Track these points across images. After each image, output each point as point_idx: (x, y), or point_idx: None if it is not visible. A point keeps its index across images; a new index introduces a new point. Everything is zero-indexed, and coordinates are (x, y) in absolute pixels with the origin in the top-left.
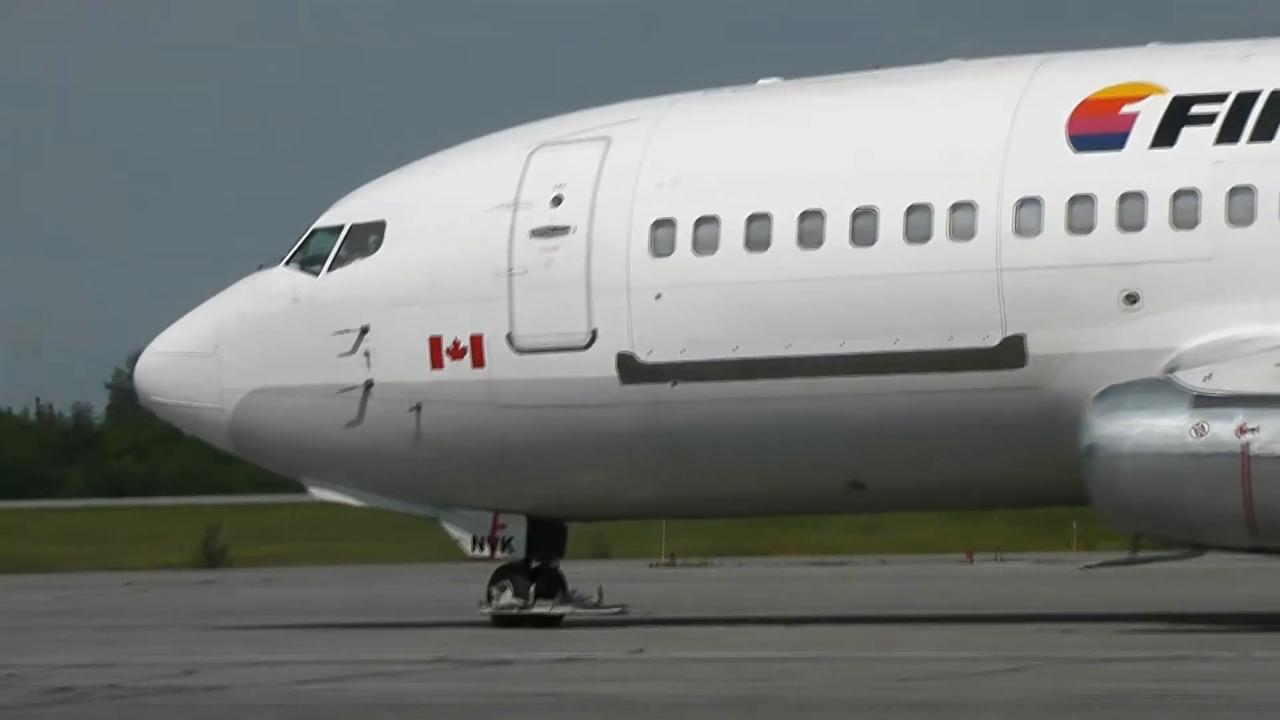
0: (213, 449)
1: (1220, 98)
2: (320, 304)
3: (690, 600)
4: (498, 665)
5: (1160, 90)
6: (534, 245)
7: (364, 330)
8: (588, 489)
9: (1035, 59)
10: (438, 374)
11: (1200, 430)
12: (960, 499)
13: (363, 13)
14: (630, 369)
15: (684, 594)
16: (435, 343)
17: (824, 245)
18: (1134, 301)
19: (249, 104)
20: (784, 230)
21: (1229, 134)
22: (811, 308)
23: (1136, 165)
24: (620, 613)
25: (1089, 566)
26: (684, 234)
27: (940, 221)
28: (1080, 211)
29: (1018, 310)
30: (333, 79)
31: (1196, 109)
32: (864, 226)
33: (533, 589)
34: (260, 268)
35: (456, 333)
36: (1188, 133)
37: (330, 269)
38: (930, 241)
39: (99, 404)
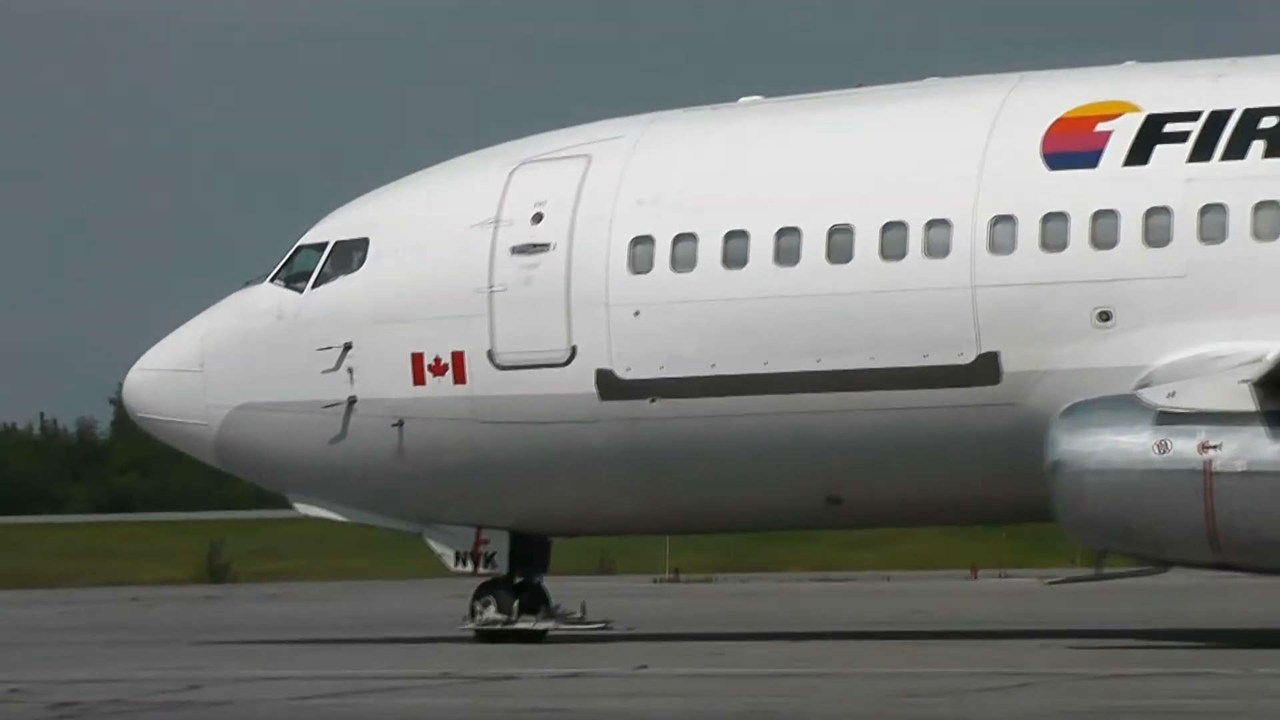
0: None
1: (1193, 116)
2: (304, 320)
3: (694, 616)
4: (502, 680)
5: (1134, 108)
6: (514, 262)
7: (347, 347)
8: (569, 504)
9: (1013, 77)
10: (420, 390)
11: (1163, 447)
12: (937, 515)
13: (349, 30)
14: (609, 385)
15: (687, 609)
16: (417, 359)
17: (800, 262)
18: (1107, 319)
19: (250, 116)
20: (761, 247)
21: (1202, 152)
22: (788, 325)
23: (1110, 183)
24: (603, 628)
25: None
26: (662, 251)
27: (915, 239)
28: (1054, 229)
29: (992, 327)
30: (326, 92)
31: (1170, 127)
32: (840, 244)
33: (516, 604)
34: (246, 284)
35: (438, 349)
36: (1161, 151)
37: (314, 286)
38: (905, 259)
39: (103, 419)
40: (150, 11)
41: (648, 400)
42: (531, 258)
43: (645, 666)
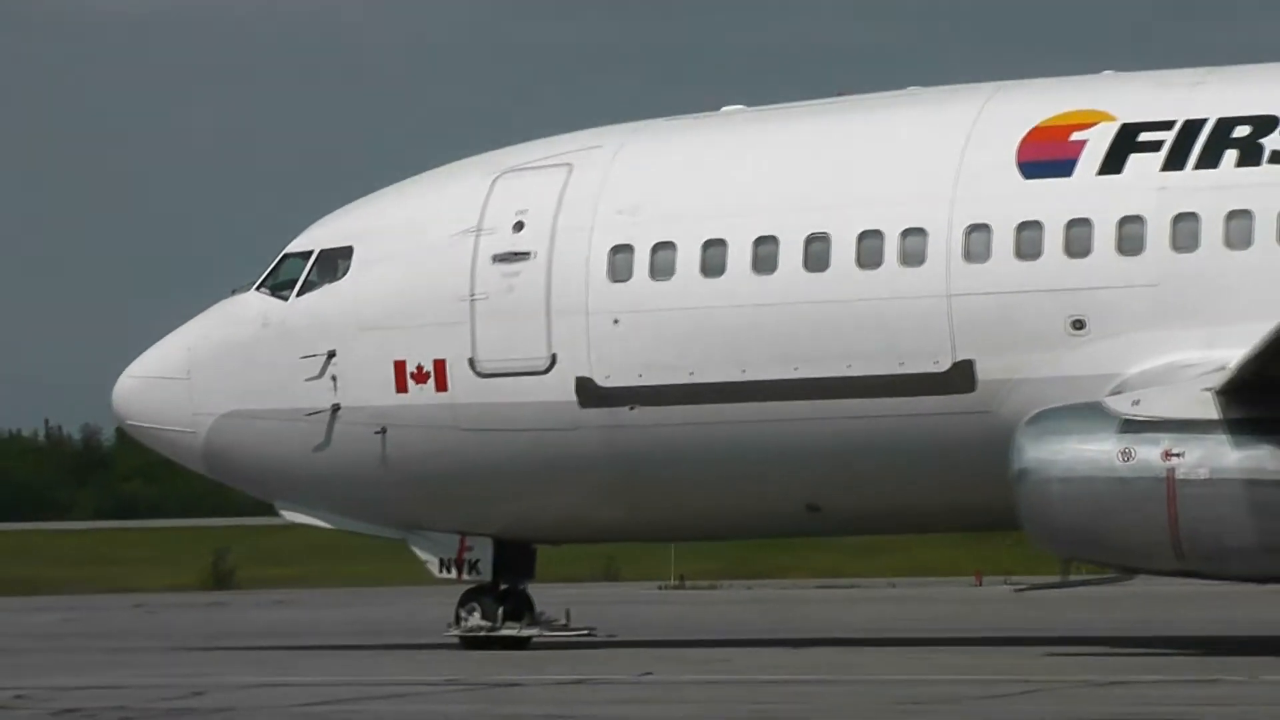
0: None
1: (1167, 125)
2: (289, 328)
3: (699, 622)
4: (508, 687)
5: (1109, 117)
6: (495, 270)
7: (331, 354)
8: (552, 512)
9: (989, 87)
10: (402, 398)
11: (1127, 455)
12: (915, 522)
13: (334, 39)
14: (589, 393)
15: (693, 616)
16: (400, 367)
17: (777, 271)
18: (1081, 327)
19: (253, 119)
20: (738, 256)
21: (1175, 161)
22: (766, 333)
23: (1084, 192)
24: (588, 635)
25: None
26: (642, 260)
27: (891, 247)
28: (1028, 238)
29: (967, 335)
30: (316, 103)
31: (1144, 136)
32: (817, 252)
33: (500, 611)
34: (233, 292)
35: (420, 357)
36: (1135, 159)
37: (299, 294)
38: (882, 267)
39: (108, 426)
40: (152, 13)
41: (627, 408)
42: (512, 266)
43: (650, 673)
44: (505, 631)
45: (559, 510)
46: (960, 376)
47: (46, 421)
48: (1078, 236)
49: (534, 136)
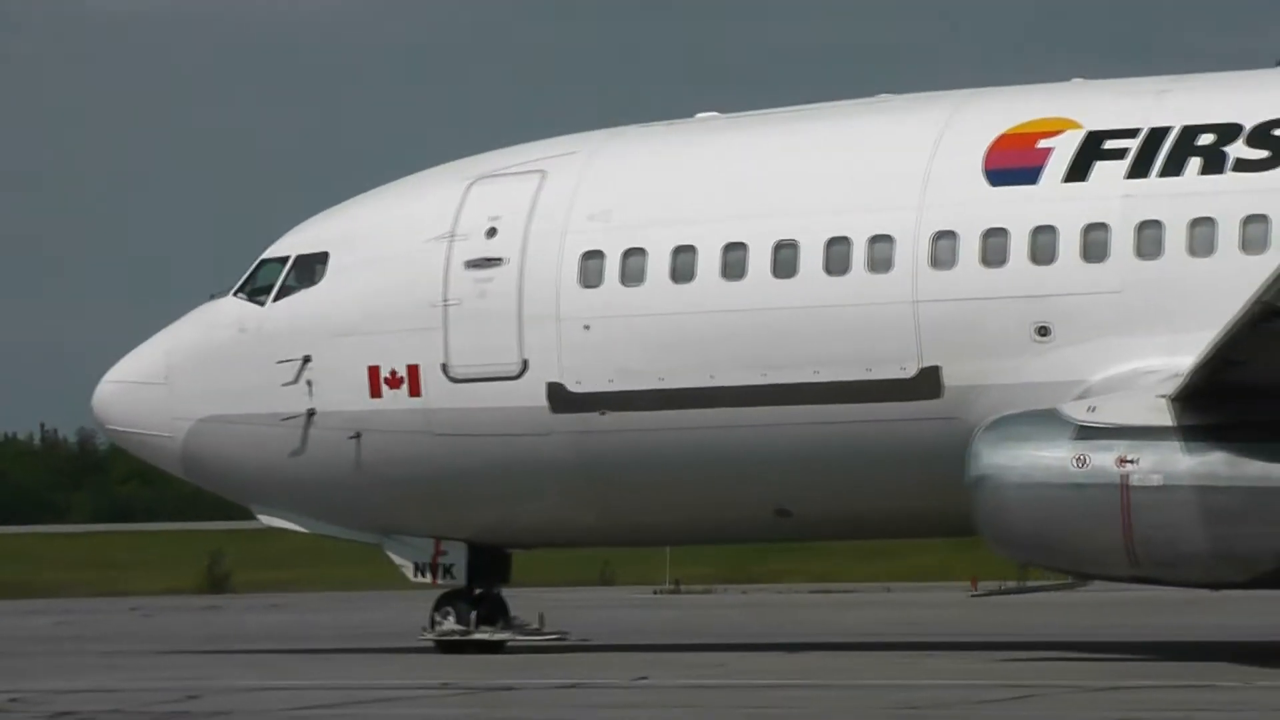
0: None
1: (1133, 133)
2: (265, 334)
3: (694, 627)
4: (501, 691)
5: (1075, 125)
6: (468, 276)
7: (306, 360)
8: (525, 516)
9: (959, 94)
10: (376, 403)
11: (1082, 461)
12: (884, 528)
13: (317, 44)
14: (560, 398)
15: (688, 620)
16: (374, 372)
17: (747, 277)
18: (1046, 334)
19: (247, 124)
20: (708, 262)
21: (1140, 168)
22: (734, 339)
23: (1049, 199)
24: (560, 639)
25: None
26: (612, 266)
27: (859, 254)
28: (994, 245)
29: (933, 342)
30: (314, 104)
31: (1109, 144)
32: (785, 259)
33: (474, 615)
34: (212, 297)
35: (394, 362)
36: (1100, 167)
37: (276, 299)
38: (849, 274)
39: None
40: (150, 11)
41: (598, 413)
42: (485, 272)
43: (645, 677)
44: (479, 635)
45: (532, 515)
46: (927, 382)
47: (42, 425)
48: (1043, 244)
49: (533, 139)
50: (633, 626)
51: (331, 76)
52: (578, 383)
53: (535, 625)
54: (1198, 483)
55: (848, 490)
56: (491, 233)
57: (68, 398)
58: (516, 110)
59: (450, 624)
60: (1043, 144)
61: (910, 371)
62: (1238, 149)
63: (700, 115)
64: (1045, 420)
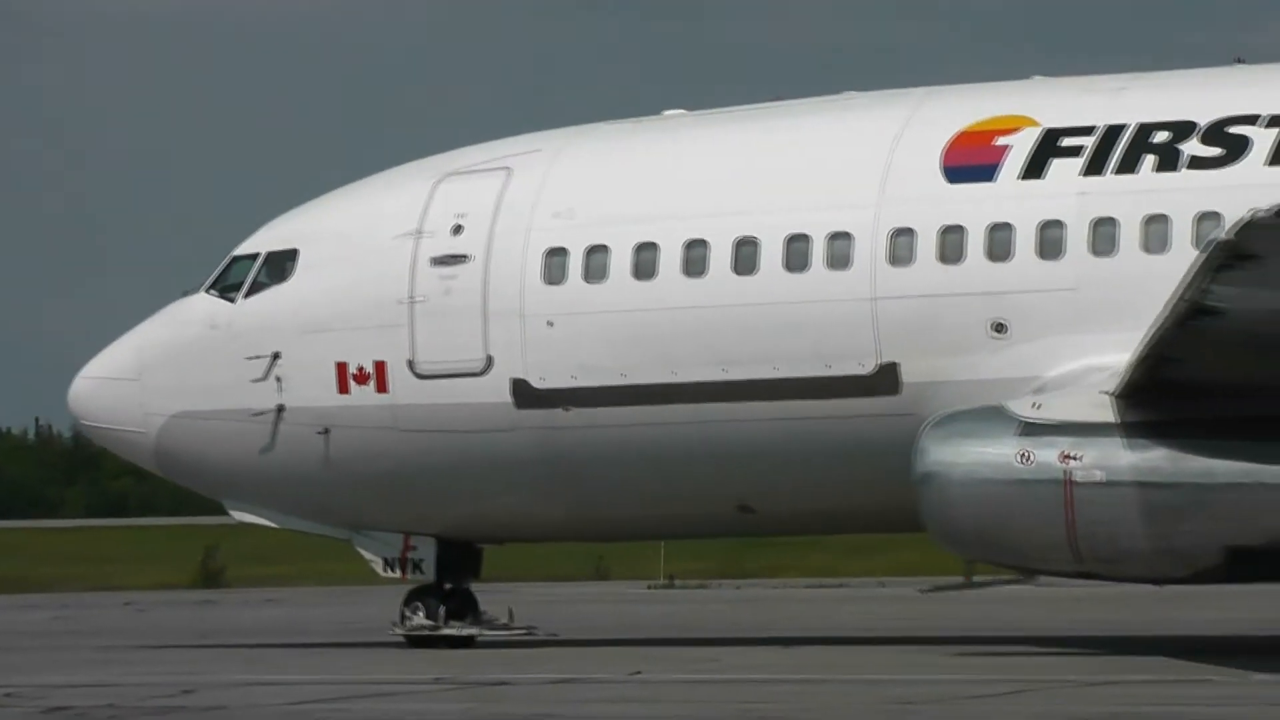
0: None
1: (1089, 130)
2: (236, 330)
3: (689, 621)
4: (496, 686)
5: (1033, 123)
6: (434, 273)
7: (275, 356)
8: (493, 512)
9: (921, 91)
10: (344, 399)
11: (1026, 458)
12: (846, 523)
13: (299, 40)
14: (525, 394)
15: (682, 615)
16: (341, 368)
17: (708, 274)
18: (1002, 330)
19: (246, 124)
20: (670, 259)
21: (1095, 166)
22: (695, 335)
23: (1006, 196)
24: (528, 633)
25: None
26: (576, 263)
27: (818, 251)
28: (951, 241)
29: (891, 338)
30: (284, 101)
31: (1066, 141)
32: (746, 256)
33: (443, 611)
34: (185, 294)
35: (361, 359)
36: (1056, 164)
37: (246, 296)
38: (809, 271)
39: None
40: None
41: (562, 409)
42: (450, 269)
43: (639, 672)
44: (448, 631)
45: (500, 511)
46: (885, 379)
47: (37, 420)
48: (999, 240)
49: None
50: (627, 621)
51: (330, 73)
52: (542, 379)
53: (504, 620)
54: (1139, 479)
55: (809, 486)
56: (457, 230)
57: (62, 393)
58: (514, 107)
59: (420, 619)
60: (1000, 141)
61: (869, 368)
62: (1192, 146)
63: (667, 113)
64: (991, 417)
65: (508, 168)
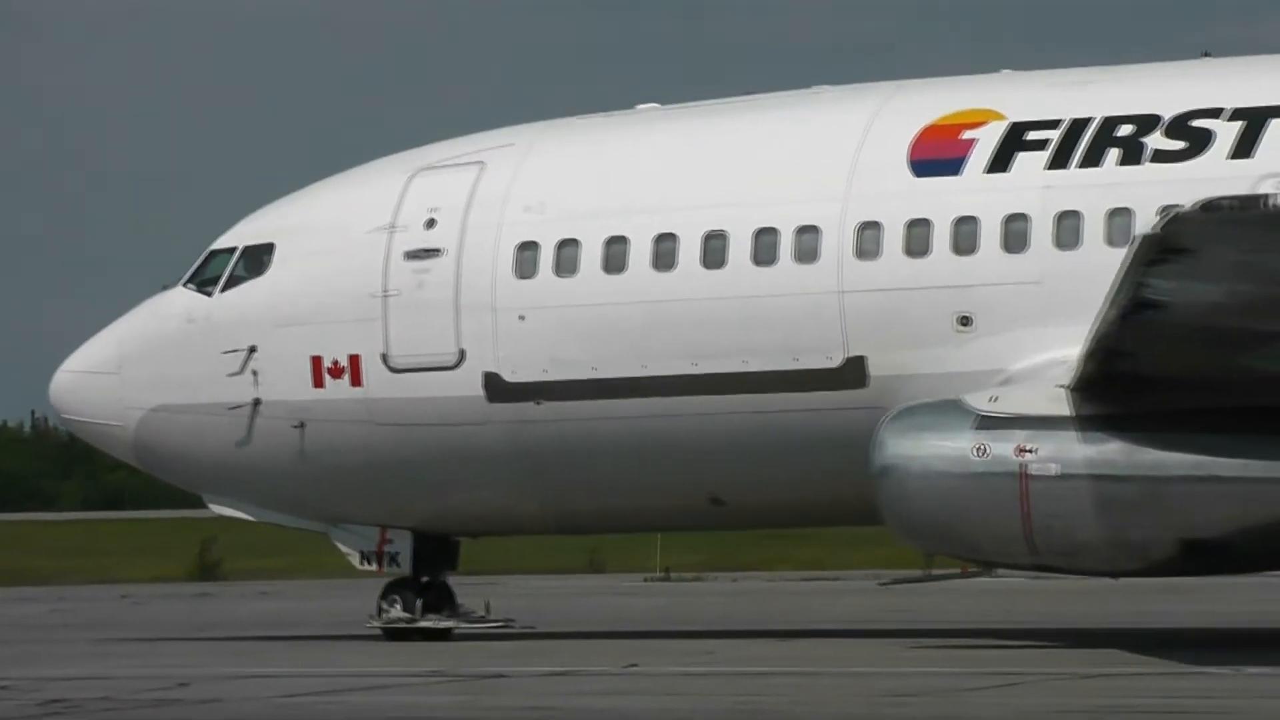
0: None
1: (1054, 124)
2: (213, 324)
3: (684, 614)
4: (492, 679)
5: (999, 116)
6: (407, 267)
7: (252, 350)
8: (468, 505)
9: (890, 86)
10: (320, 393)
11: (982, 451)
12: (816, 516)
13: (298, 38)
14: (496, 388)
15: (678, 607)
16: (316, 362)
17: (677, 268)
18: (968, 323)
19: (245, 119)
20: (640, 253)
21: (1060, 159)
22: (665, 329)
23: (971, 190)
24: (504, 626)
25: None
26: (547, 256)
27: (786, 245)
28: (917, 235)
29: (858, 332)
30: (267, 94)
31: (1031, 135)
32: (715, 249)
33: (419, 603)
34: (164, 288)
35: (336, 352)
36: (1021, 158)
37: (224, 290)
38: (777, 264)
39: None
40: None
41: (533, 403)
42: (423, 263)
43: (635, 665)
44: (424, 623)
45: (475, 503)
46: (852, 372)
47: (33, 413)
48: (965, 234)
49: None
50: (622, 614)
51: (329, 69)
52: (513, 372)
53: (480, 613)
54: (1093, 472)
55: (779, 479)
56: (430, 224)
57: None
58: (511, 101)
59: (397, 612)
60: (966, 135)
61: (836, 361)
62: (1156, 140)
63: (640, 107)
64: (948, 410)
65: (481, 162)
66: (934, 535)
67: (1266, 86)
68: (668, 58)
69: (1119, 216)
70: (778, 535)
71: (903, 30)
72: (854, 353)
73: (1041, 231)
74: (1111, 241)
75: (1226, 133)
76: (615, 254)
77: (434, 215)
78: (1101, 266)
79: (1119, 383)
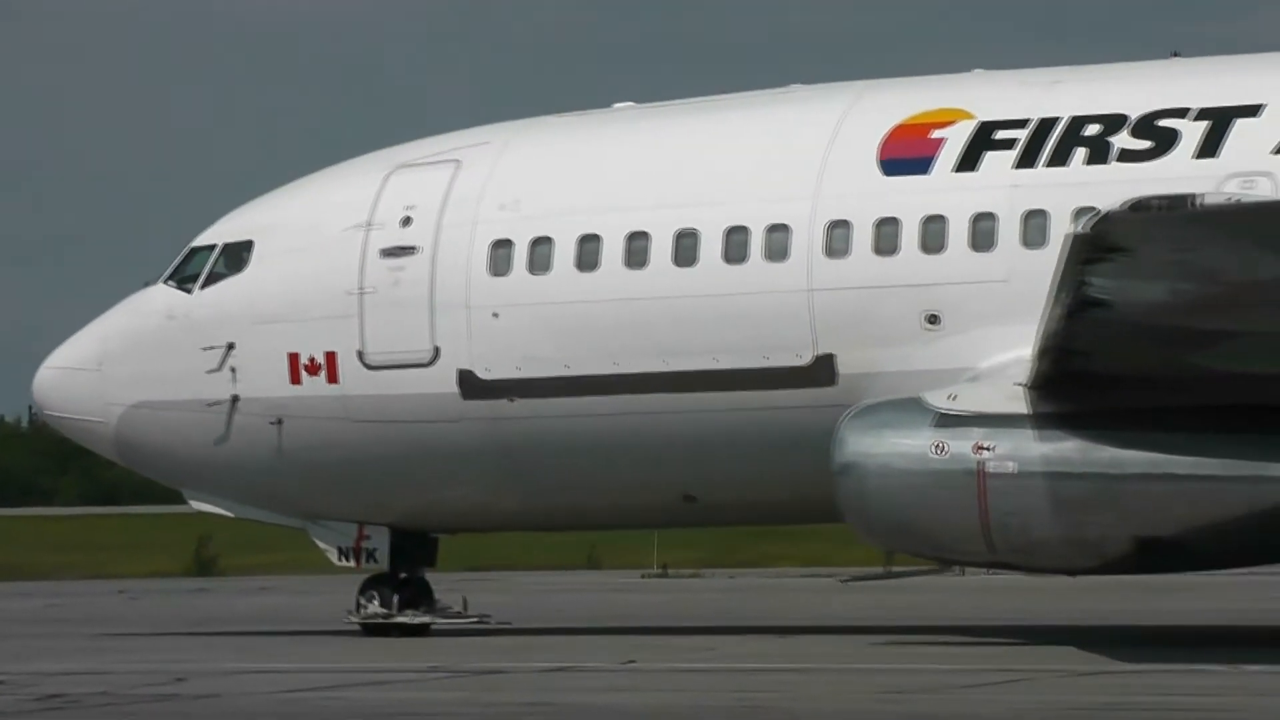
0: None
1: (1022, 123)
2: (192, 321)
3: (682, 610)
4: (490, 674)
5: (968, 116)
6: (383, 265)
7: (230, 346)
8: (444, 502)
9: (862, 85)
10: (297, 389)
11: (941, 449)
12: (787, 514)
13: (298, 36)
14: (471, 385)
15: (676, 604)
16: (294, 359)
17: (649, 266)
18: (935, 322)
19: (244, 112)
20: (612, 251)
21: (1028, 158)
22: (637, 327)
23: (940, 189)
24: (480, 622)
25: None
26: (520, 254)
27: (756, 243)
28: (886, 234)
29: (828, 330)
30: (255, 87)
31: (1000, 134)
32: (686, 247)
33: (397, 599)
34: (145, 284)
35: (313, 349)
36: (990, 157)
37: (203, 287)
38: (747, 262)
39: None
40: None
41: (507, 400)
42: (399, 260)
43: (634, 661)
44: (402, 619)
45: (452, 500)
46: (822, 370)
47: (30, 408)
48: (933, 233)
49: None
50: (620, 610)
51: (327, 65)
52: (487, 370)
53: (457, 608)
54: (1050, 469)
55: (749, 476)
56: (406, 221)
57: None
58: (513, 98)
59: (375, 607)
60: (936, 134)
61: (805, 359)
62: (1122, 139)
63: (616, 105)
64: (907, 408)
65: (457, 160)
66: (893, 533)
67: (1232, 86)
68: (668, 57)
69: (1085, 215)
70: (777, 532)
71: (903, 25)
72: (823, 351)
73: (1009, 230)
74: None
75: (1192, 132)
76: (588, 252)
77: (410, 213)
78: None
79: (1075, 381)
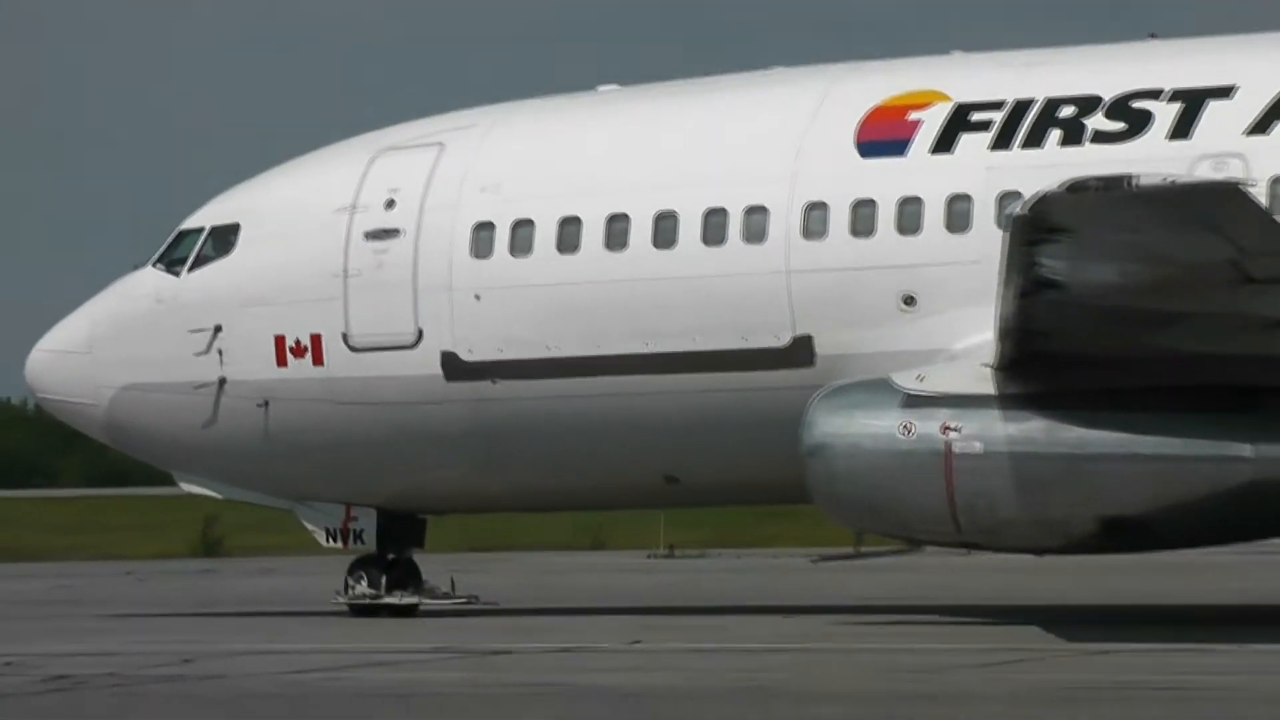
0: None
1: (998, 105)
2: (180, 304)
3: (689, 591)
4: (497, 655)
5: (945, 98)
6: (367, 247)
7: (217, 329)
8: (430, 483)
9: (841, 67)
10: (283, 372)
11: (908, 429)
12: (770, 494)
13: (297, 35)
14: (454, 367)
15: (683, 584)
16: (280, 341)
17: (628, 248)
18: (912, 303)
19: (243, 106)
20: (592, 233)
21: (1003, 140)
22: (617, 308)
23: (916, 171)
24: (468, 602)
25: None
26: (502, 237)
27: (735, 225)
28: (863, 215)
29: (806, 311)
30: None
31: (976, 116)
32: (666, 229)
33: (384, 580)
34: (135, 268)
35: (298, 332)
36: (966, 139)
37: (191, 270)
38: (726, 244)
39: None
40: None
41: (490, 382)
42: (383, 243)
43: (639, 641)
44: (389, 599)
45: (438, 482)
46: (800, 351)
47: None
48: (909, 214)
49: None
50: (627, 590)
51: (326, 60)
52: (470, 352)
53: (445, 589)
54: (1016, 449)
55: (730, 457)
56: (390, 204)
57: None
58: (507, 81)
59: (362, 588)
60: (912, 116)
61: (784, 340)
62: (1096, 121)
63: (601, 88)
64: (876, 389)
65: (440, 143)
66: (861, 513)
67: (1206, 68)
68: (653, 38)
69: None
70: (784, 512)
71: (885, 7)
72: (801, 332)
73: (984, 212)
74: None
75: (1165, 114)
76: (569, 234)
77: (394, 196)
78: None
79: (1039, 362)
